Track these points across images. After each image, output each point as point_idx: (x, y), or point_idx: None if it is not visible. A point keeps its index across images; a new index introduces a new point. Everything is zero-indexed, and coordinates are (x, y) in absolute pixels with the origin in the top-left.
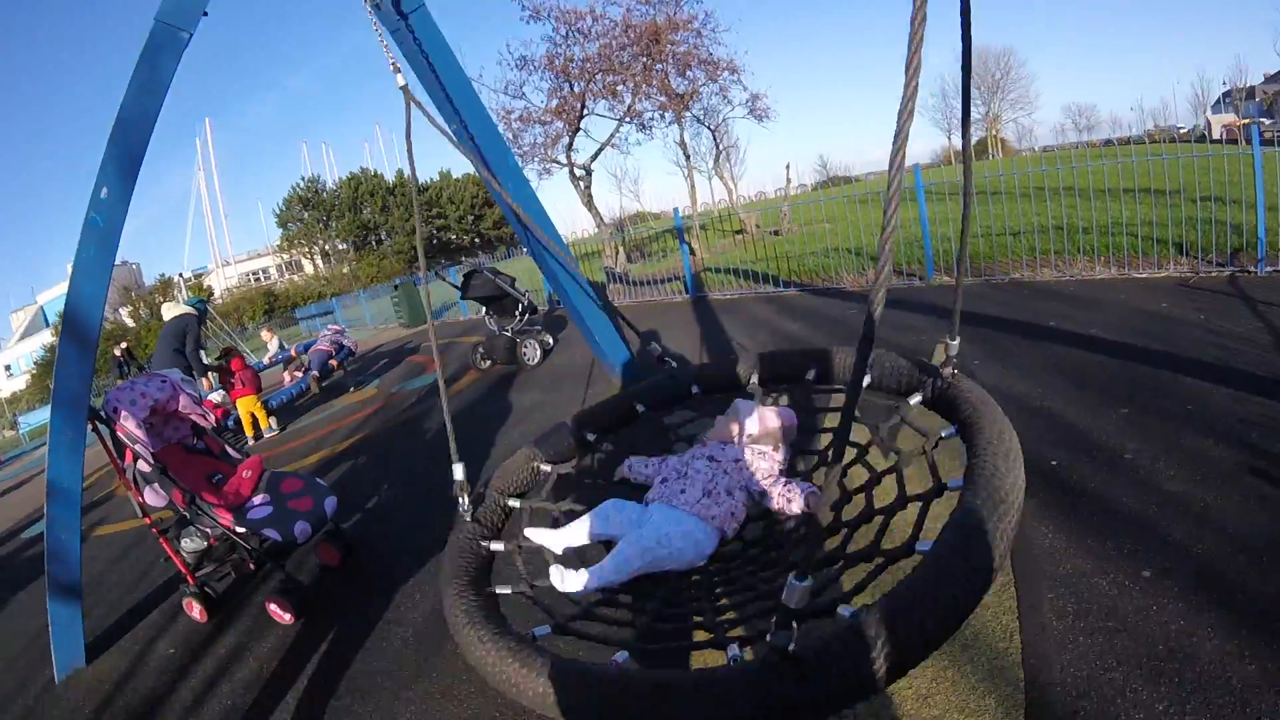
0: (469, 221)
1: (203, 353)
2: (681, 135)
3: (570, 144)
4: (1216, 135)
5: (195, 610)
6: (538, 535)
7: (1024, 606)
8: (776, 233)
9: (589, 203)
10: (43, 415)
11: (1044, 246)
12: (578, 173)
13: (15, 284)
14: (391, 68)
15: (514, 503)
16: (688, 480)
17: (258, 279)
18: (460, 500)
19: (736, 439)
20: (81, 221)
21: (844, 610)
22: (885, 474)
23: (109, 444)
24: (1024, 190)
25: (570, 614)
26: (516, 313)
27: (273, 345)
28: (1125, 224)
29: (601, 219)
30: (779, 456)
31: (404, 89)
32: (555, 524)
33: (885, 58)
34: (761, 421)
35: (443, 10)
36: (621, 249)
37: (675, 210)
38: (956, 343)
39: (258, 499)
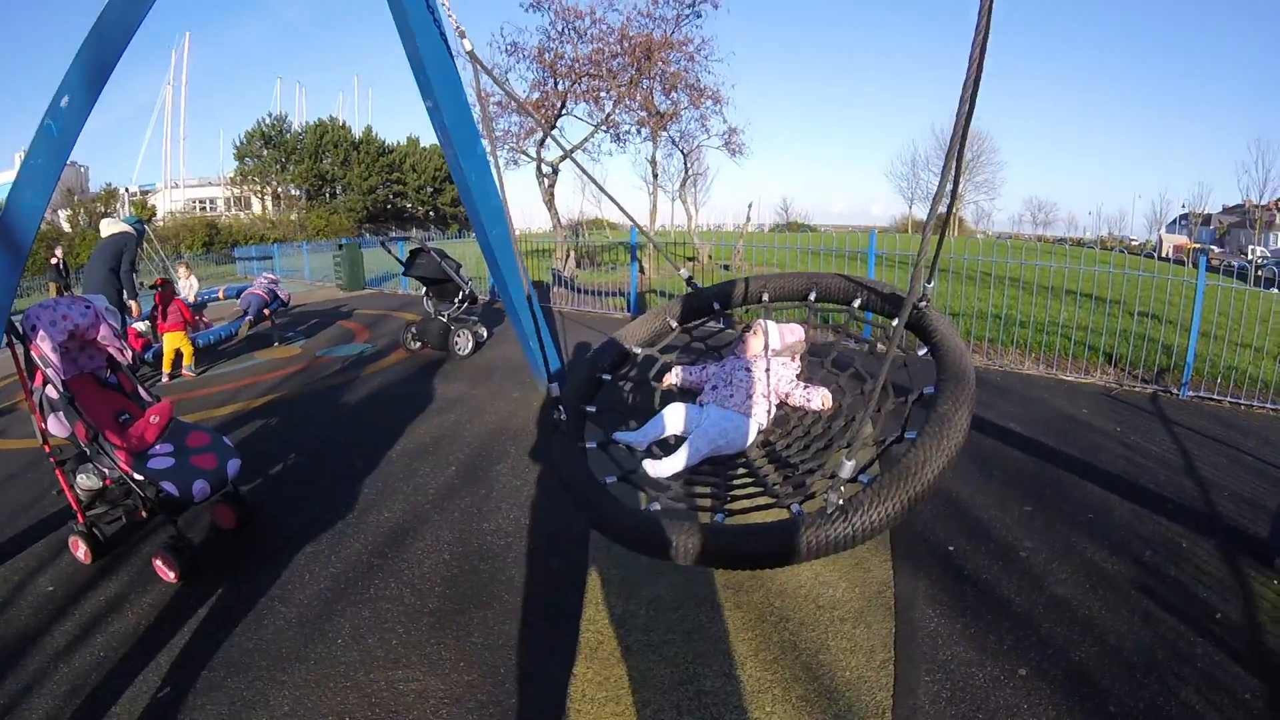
0: (428, 193)
1: (135, 276)
2: (654, 153)
3: (543, 140)
4: (1166, 253)
5: (80, 550)
6: (623, 435)
7: (900, 686)
8: (727, 267)
9: (550, 201)
10: None
11: (979, 332)
12: (544, 169)
13: None
14: (457, 31)
15: (591, 409)
16: (733, 386)
17: (204, 208)
18: (556, 412)
19: (764, 352)
20: (37, 125)
21: (864, 478)
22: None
23: (20, 362)
24: (970, 273)
25: (667, 493)
26: (456, 299)
27: (190, 284)
28: (1061, 324)
29: (559, 219)
30: (796, 365)
31: (471, 54)
32: (627, 426)
33: (863, 114)
34: (783, 337)
35: None
36: (573, 253)
37: (633, 228)
38: (933, 285)
39: (160, 448)
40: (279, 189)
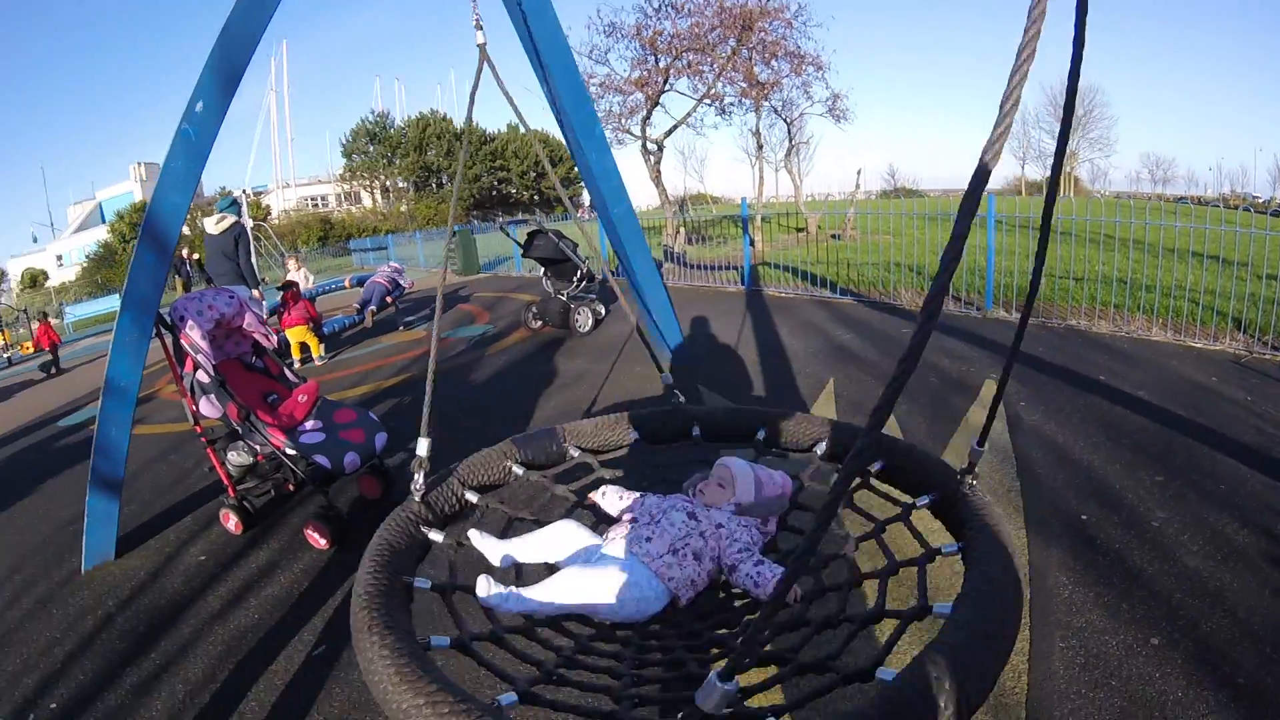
0: (531, 178)
1: (255, 261)
2: (757, 124)
3: (647, 116)
4: None
5: (231, 522)
6: (480, 540)
7: (1036, 651)
8: (836, 236)
9: (656, 178)
10: (89, 308)
11: (1104, 297)
12: (650, 147)
13: (76, 178)
14: (475, 24)
15: (472, 497)
16: (657, 529)
17: (316, 205)
18: (415, 478)
19: (725, 501)
20: (174, 131)
21: None
22: (867, 578)
23: (170, 350)
24: (1093, 235)
25: (478, 632)
26: (574, 278)
27: (301, 276)
28: (1188, 289)
29: (666, 196)
30: (766, 529)
31: (482, 47)
32: (504, 534)
33: (969, 77)
34: (757, 489)
35: None
36: (682, 229)
37: (743, 200)
38: (984, 449)
39: (310, 424)
40: (387, 182)
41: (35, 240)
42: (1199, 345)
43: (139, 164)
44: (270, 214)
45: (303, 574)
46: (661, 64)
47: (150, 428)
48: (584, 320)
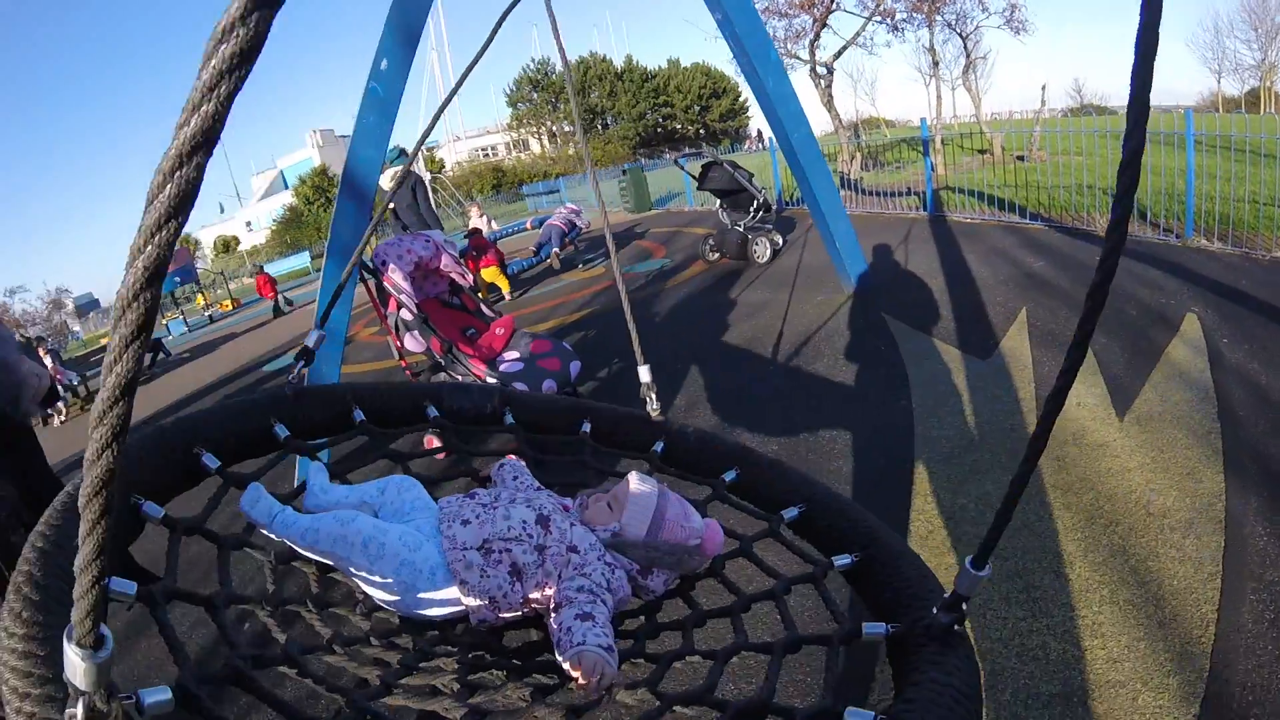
0: (695, 112)
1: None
2: (931, 39)
3: (815, 39)
4: None
5: (435, 442)
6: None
7: (1225, 601)
8: (1022, 158)
9: (828, 103)
10: (281, 265)
11: None
12: (819, 70)
13: (256, 150)
14: None
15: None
16: (484, 515)
17: (486, 155)
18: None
19: (605, 525)
20: (351, 95)
21: None
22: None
23: (374, 293)
24: None
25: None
26: (751, 209)
27: (483, 222)
28: None
29: (840, 121)
30: (646, 582)
31: None
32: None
33: None
34: (653, 527)
35: None
36: (858, 155)
37: (922, 120)
38: (985, 574)
39: (509, 354)
40: (553, 127)
41: (221, 210)
42: None
43: (315, 131)
44: (444, 167)
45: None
46: None
47: (352, 366)
48: (762, 250)
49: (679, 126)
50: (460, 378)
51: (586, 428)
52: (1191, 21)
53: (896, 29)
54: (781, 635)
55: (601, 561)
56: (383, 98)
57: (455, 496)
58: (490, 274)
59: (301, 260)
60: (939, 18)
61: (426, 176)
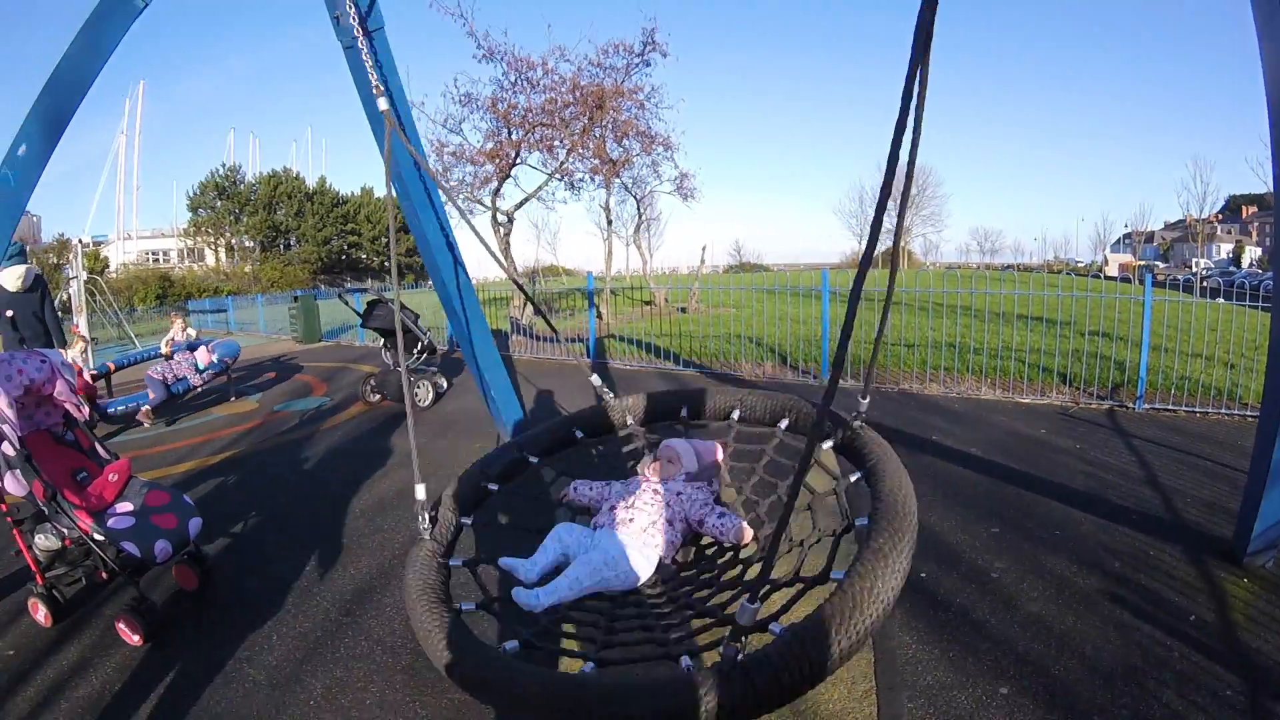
0: (382, 244)
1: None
2: (608, 200)
3: (498, 189)
4: (1113, 273)
5: (40, 613)
6: (509, 563)
7: (884, 716)
8: (684, 310)
9: (505, 249)
10: None
11: (935, 361)
12: (500, 218)
13: None
14: (375, 89)
15: (466, 520)
16: (634, 510)
17: (157, 260)
18: (421, 519)
19: (676, 473)
20: None
21: (775, 628)
22: (802, 510)
23: None
24: (923, 304)
25: (533, 630)
26: (415, 350)
27: (187, 335)
28: (1015, 349)
29: (515, 268)
30: (713, 490)
31: (386, 113)
32: (516, 550)
33: (811, 158)
34: (698, 457)
35: (395, 31)
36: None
37: (589, 274)
38: (867, 401)
39: (121, 507)
40: (233, 240)
41: None
42: (1028, 400)
43: None
44: (109, 266)
45: (115, 672)
46: (514, 137)
47: None
48: (424, 394)
49: (364, 256)
50: (65, 530)
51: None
52: (839, 193)
53: (574, 187)
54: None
55: (695, 489)
56: (14, 187)
57: (602, 516)
58: None
59: None
60: (617, 180)
61: (82, 276)
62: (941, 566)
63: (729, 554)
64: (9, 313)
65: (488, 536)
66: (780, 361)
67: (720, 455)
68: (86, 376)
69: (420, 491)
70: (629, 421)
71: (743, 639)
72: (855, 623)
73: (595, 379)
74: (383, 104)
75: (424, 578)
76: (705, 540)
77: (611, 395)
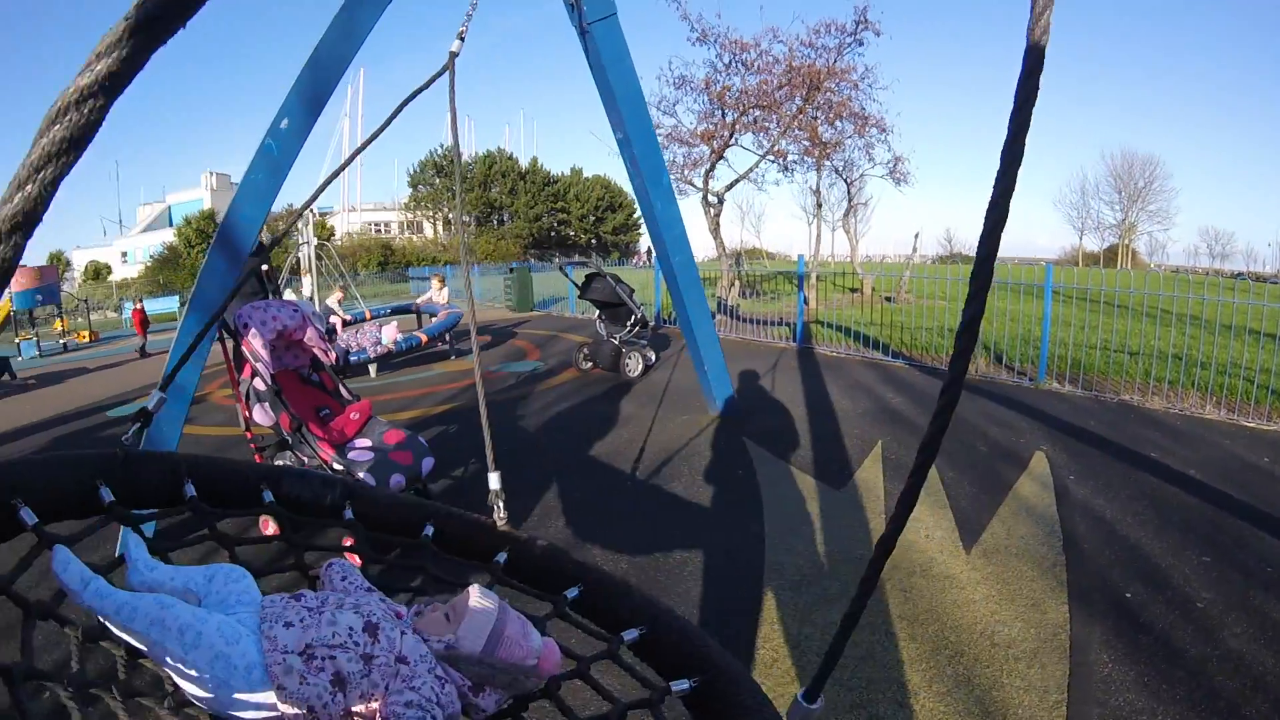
0: (590, 222)
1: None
2: (818, 182)
3: (711, 169)
4: None
5: (270, 528)
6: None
7: None
8: (890, 299)
9: (715, 230)
10: (149, 307)
11: (1159, 373)
12: (711, 199)
13: (148, 180)
14: (459, 33)
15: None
16: (309, 619)
17: (379, 230)
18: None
19: (440, 635)
20: (250, 145)
21: None
22: None
23: (230, 356)
24: (1150, 309)
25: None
26: (629, 323)
27: (443, 295)
28: (1244, 367)
29: (724, 248)
30: (477, 699)
31: (453, 55)
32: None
33: (1030, 141)
34: (491, 642)
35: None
36: (738, 282)
37: (799, 257)
38: (817, 706)
39: (360, 442)
40: (449, 214)
41: (104, 234)
42: (1252, 425)
43: (210, 173)
44: (334, 235)
45: None
46: (728, 119)
47: (199, 428)
48: (634, 365)
49: (572, 233)
50: (306, 459)
51: (429, 531)
52: (1060, 182)
53: (786, 169)
54: None
55: (432, 675)
56: (276, 157)
57: (280, 596)
58: None
59: (170, 303)
60: (828, 163)
61: (313, 241)
62: (1148, 589)
63: None
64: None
65: None
66: (995, 360)
67: (545, 669)
68: (339, 322)
69: (494, 481)
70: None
71: None
72: None
73: (495, 480)
74: (456, 45)
75: None
76: None
77: (504, 516)
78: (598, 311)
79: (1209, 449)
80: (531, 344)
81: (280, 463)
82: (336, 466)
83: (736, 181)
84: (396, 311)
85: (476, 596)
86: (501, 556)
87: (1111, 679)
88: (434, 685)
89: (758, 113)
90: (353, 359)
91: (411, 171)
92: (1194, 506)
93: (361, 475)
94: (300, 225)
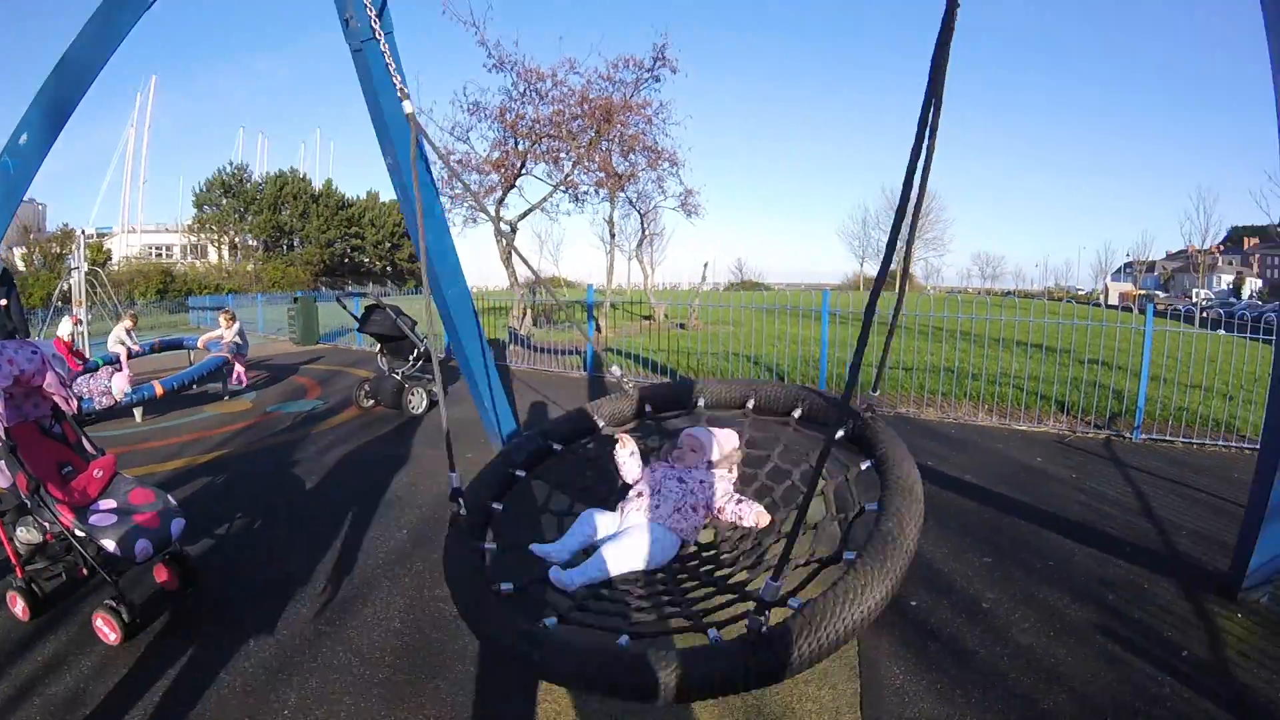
0: (386, 248)
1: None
2: (611, 213)
3: (502, 199)
4: (1113, 301)
5: (19, 606)
6: (540, 549)
7: None
8: (683, 326)
9: (507, 259)
10: None
11: (933, 386)
12: (503, 228)
13: None
14: (400, 93)
15: (497, 506)
16: (660, 497)
17: (160, 255)
18: (456, 504)
19: (699, 461)
20: None
21: (794, 603)
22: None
23: None
24: (922, 328)
25: (567, 607)
26: (411, 357)
27: (231, 331)
28: (1013, 375)
29: (516, 278)
30: (732, 477)
31: (411, 116)
32: (544, 536)
33: (816, 175)
34: (719, 446)
35: (403, 37)
36: (530, 311)
37: (589, 287)
38: (878, 393)
39: (104, 504)
40: (236, 238)
41: None
42: (1024, 428)
43: None
44: (110, 259)
45: (90, 670)
46: (520, 147)
47: None
48: (418, 401)
49: (367, 260)
50: (47, 524)
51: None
52: (843, 215)
53: (578, 200)
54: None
55: (717, 477)
56: (12, 176)
57: (628, 502)
58: None
59: None
60: (621, 194)
61: (84, 267)
62: (933, 595)
63: (747, 536)
64: (2, 303)
65: (509, 521)
66: (778, 380)
67: (738, 444)
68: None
69: (455, 479)
70: (647, 410)
71: (766, 613)
72: (866, 598)
73: (616, 369)
74: (408, 106)
75: (462, 560)
76: (725, 523)
77: (631, 385)
78: (379, 345)
79: (984, 453)
80: (313, 380)
81: (21, 530)
82: (78, 533)
83: (528, 211)
84: (166, 347)
85: (698, 433)
86: (702, 401)
87: (905, 690)
88: (720, 483)
89: (551, 143)
90: (84, 406)
91: (198, 191)
92: (972, 510)
93: (105, 542)
94: (73, 248)
